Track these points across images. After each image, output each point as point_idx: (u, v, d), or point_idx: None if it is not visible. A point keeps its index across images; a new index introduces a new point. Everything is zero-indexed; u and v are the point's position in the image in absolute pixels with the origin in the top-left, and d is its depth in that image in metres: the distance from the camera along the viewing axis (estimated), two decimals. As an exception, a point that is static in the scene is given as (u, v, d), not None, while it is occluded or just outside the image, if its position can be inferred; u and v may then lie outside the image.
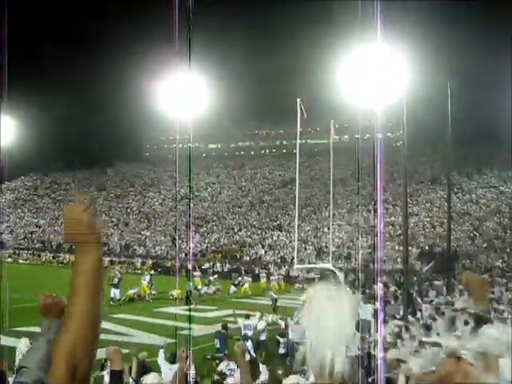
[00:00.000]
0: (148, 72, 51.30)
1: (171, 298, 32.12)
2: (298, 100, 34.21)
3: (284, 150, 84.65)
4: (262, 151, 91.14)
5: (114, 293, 31.10)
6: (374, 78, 25.42)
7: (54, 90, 79.90)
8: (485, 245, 46.30)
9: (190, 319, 22.93)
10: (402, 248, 28.61)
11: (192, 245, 50.75)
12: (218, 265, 49.55)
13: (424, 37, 48.98)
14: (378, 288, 21.38)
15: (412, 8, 51.89)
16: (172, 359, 13.47)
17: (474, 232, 49.90)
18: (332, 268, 37.13)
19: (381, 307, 18.80)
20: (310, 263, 43.79)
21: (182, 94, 34.89)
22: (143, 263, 50.70)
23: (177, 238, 55.62)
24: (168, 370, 12.98)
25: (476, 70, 61.60)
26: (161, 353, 13.94)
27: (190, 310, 25.89)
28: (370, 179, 41.44)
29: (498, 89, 60.35)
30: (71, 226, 1.76)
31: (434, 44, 56.30)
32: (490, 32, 63.95)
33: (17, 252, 61.10)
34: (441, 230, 48.76)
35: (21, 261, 57.91)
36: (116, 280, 31.60)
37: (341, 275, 35.77)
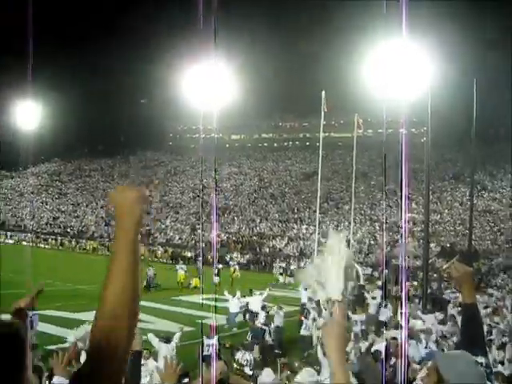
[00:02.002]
0: (173, 62, 51.44)
1: (190, 286, 32.31)
2: (323, 93, 34.29)
3: (307, 143, 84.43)
4: (285, 143, 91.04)
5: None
6: (400, 73, 25.24)
7: (81, 78, 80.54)
8: (506, 244, 45.92)
9: (215, 309, 22.93)
10: (423, 245, 28.45)
11: (214, 235, 50.84)
12: (239, 255, 49.66)
13: (451, 34, 48.62)
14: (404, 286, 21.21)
15: (440, 4, 51.54)
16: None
17: (496, 231, 49.51)
18: (352, 263, 37.24)
19: (405, 305, 18.78)
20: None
21: (206, 84, 34.89)
22: (165, 251, 51.00)
23: (200, 228, 55.89)
24: (164, 346, 13.32)
25: (503, 68, 60.94)
26: (151, 335, 13.95)
27: (215, 299, 25.83)
28: (393, 175, 41.24)
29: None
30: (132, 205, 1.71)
31: (461, 41, 55.81)
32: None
33: (40, 236, 61.71)
34: (462, 227, 48.45)
35: (42, 245, 58.53)
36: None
37: (360, 270, 35.83)
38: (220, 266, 38.66)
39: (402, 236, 40.20)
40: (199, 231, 55.22)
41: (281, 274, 41.69)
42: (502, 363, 13.05)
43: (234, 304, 22.13)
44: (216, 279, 32.13)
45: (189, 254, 48.94)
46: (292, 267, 43.35)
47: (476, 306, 3.46)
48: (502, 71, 60.21)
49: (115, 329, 1.58)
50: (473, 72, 40.15)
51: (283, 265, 44.67)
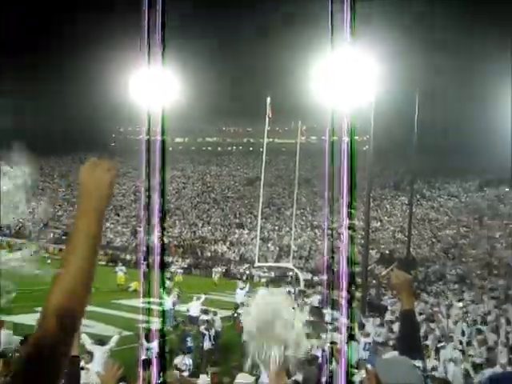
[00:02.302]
0: (119, 63, 50.84)
1: (130, 289, 31.92)
2: (268, 99, 34.46)
3: (251, 148, 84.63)
4: (229, 148, 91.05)
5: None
6: (344, 80, 25.55)
7: (23, 78, 78.80)
8: (443, 252, 46.96)
9: (164, 313, 22.69)
10: (362, 251, 28.83)
11: (154, 238, 50.19)
12: (180, 259, 49.33)
13: (397, 43, 49.42)
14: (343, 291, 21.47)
15: (387, 15, 52.43)
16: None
17: (433, 239, 50.58)
18: (292, 267, 37.47)
19: (345, 310, 18.87)
20: (271, 262, 43.89)
21: (151, 86, 34.61)
22: (105, 254, 50.22)
23: (141, 230, 55.26)
24: (99, 352, 13.06)
25: (446, 80, 62.46)
26: (85, 336, 13.63)
27: (160, 303, 25.54)
28: (335, 182, 41.61)
29: (467, 100, 61.45)
30: (92, 181, 1.66)
31: (406, 53, 56.84)
32: (462, 43, 64.95)
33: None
34: (401, 235, 49.32)
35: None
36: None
37: (301, 275, 36.10)
38: (173, 269, 38.52)
39: (343, 242, 40.52)
40: (141, 234, 54.62)
41: (219, 278, 41.56)
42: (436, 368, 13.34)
43: (194, 307, 21.96)
44: (168, 283, 31.91)
45: (128, 257, 48.39)
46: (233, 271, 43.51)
47: (414, 312, 3.52)
48: (447, 83, 61.85)
49: (64, 315, 1.53)
50: (417, 83, 40.87)
51: (220, 269, 44.56)
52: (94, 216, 1.62)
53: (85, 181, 1.68)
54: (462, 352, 15.03)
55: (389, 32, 47.18)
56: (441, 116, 64.00)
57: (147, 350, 13.61)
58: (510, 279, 34.73)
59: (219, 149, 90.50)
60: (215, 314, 20.12)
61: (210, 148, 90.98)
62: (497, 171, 63.73)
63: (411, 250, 38.90)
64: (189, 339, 17.67)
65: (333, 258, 40.84)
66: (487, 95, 55.22)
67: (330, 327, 17.98)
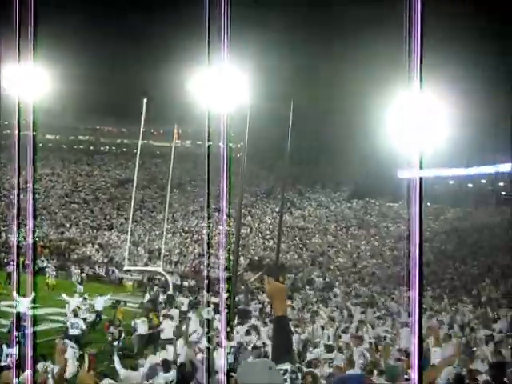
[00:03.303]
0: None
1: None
2: (144, 100, 34.12)
3: (125, 149, 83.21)
4: (102, 148, 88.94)
5: None
6: (221, 86, 25.71)
7: None
8: (310, 260, 48.22)
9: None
10: (232, 257, 29.07)
11: (26, 238, 48.08)
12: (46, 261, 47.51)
13: (273, 55, 50.42)
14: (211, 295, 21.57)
15: (262, 28, 53.28)
16: None
17: (302, 247, 51.84)
18: (162, 272, 37.21)
19: (224, 315, 18.97)
20: (140, 266, 43.28)
21: (22, 80, 33.28)
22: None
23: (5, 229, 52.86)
24: None
25: (319, 90, 64.18)
26: None
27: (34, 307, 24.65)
28: (210, 187, 41.74)
29: (340, 113, 63.50)
30: None
31: (280, 66, 58.02)
32: (333, 52, 66.98)
33: None
34: (271, 242, 50.17)
35: None
36: None
37: (170, 279, 35.92)
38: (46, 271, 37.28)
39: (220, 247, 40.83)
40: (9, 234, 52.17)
41: (79, 282, 40.08)
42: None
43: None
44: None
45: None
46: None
47: (286, 318, 3.60)
48: (320, 94, 63.55)
49: None
50: (292, 93, 41.85)
51: (79, 271, 43.30)
52: None
53: None
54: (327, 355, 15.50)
55: (264, 44, 48.09)
56: (314, 127, 65.82)
57: (6, 355, 13.11)
58: (374, 286, 36.21)
59: (92, 148, 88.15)
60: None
61: (82, 147, 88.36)
62: (365, 183, 66.49)
63: (280, 256, 39.70)
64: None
65: (208, 263, 40.97)
66: (360, 108, 57.25)
67: (198, 332, 18.03)
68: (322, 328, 21.51)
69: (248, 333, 19.06)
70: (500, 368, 9.42)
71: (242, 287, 33.62)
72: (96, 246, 52.70)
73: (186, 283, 38.68)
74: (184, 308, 25.95)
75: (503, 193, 62.70)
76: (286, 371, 3.09)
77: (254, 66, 28.27)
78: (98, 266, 46.38)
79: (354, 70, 61.50)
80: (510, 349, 13.56)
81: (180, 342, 16.04)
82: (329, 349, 16.61)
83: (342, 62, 64.61)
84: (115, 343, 19.67)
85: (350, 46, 63.11)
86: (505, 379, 8.93)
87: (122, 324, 21.90)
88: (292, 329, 20.36)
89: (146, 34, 73.86)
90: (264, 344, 16.49)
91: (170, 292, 32.82)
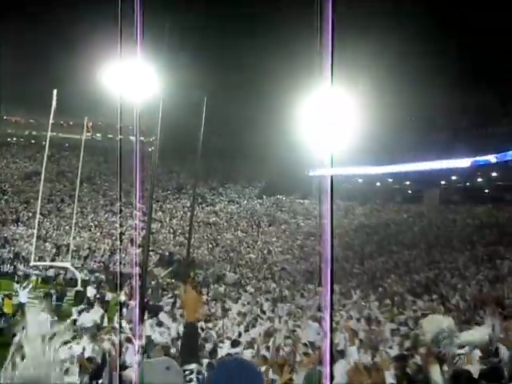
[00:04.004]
0: None
1: None
2: (55, 91, 33.27)
3: (33, 141, 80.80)
4: (9, 139, 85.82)
5: None
6: (133, 79, 25.39)
7: None
8: (221, 256, 48.34)
9: None
10: (143, 252, 28.75)
11: None
12: None
13: (184, 48, 50.02)
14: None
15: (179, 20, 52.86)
16: None
17: (213, 242, 51.89)
18: (70, 267, 36.45)
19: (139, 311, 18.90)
20: (48, 261, 42.17)
21: None
22: None
23: None
24: None
25: (233, 88, 64.36)
26: None
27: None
28: (121, 181, 41.21)
29: (253, 110, 63.86)
30: None
31: (194, 61, 57.80)
32: (248, 50, 67.28)
33: None
34: (182, 237, 49.98)
35: None
36: None
37: (78, 274, 35.24)
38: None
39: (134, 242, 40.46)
40: None
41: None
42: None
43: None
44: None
45: None
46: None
47: (195, 324, 3.64)
48: (233, 88, 63.70)
49: None
50: (205, 88, 41.74)
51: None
52: None
53: None
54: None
55: (179, 38, 47.68)
56: (228, 124, 66.02)
57: None
58: (284, 282, 36.64)
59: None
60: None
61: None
62: (276, 179, 67.26)
63: (191, 252, 39.61)
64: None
65: (120, 258, 40.43)
66: (274, 106, 57.70)
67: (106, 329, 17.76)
68: (232, 324, 21.62)
69: (157, 327, 18.94)
70: (403, 360, 9.76)
71: (153, 283, 33.32)
72: (1, 241, 50.98)
73: (93, 278, 37.96)
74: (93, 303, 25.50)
75: (409, 191, 64.82)
76: (191, 371, 3.13)
77: (167, 59, 27.99)
78: (3, 262, 44.89)
79: (269, 68, 62.02)
80: (413, 342, 14.03)
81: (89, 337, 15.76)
82: (235, 344, 16.73)
83: (257, 60, 65.08)
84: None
85: (265, 43, 63.64)
86: (408, 370, 9.26)
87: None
88: (203, 325, 20.42)
89: (57, 25, 71.95)
90: (173, 340, 16.41)
91: (79, 288, 32.24)
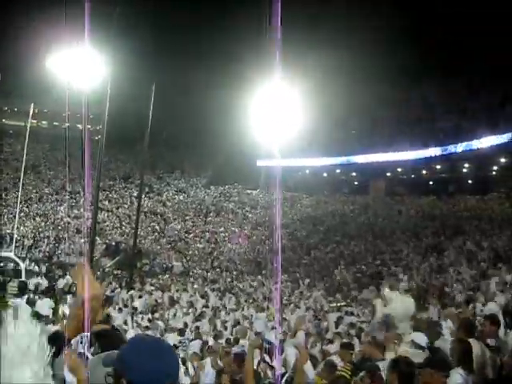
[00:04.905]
0: None
1: None
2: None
3: (-25, 128, 78.69)
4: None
5: None
6: (81, 66, 25.06)
7: None
8: (168, 245, 48.13)
9: None
10: (88, 242, 28.45)
11: None
12: None
13: (133, 35, 49.43)
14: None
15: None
16: None
17: (160, 232, 51.60)
18: (13, 257, 35.69)
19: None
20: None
21: None
22: None
23: None
24: None
25: (183, 77, 63.90)
26: None
27: None
28: (64, 169, 40.68)
29: (203, 100, 63.60)
30: None
31: (143, 44, 57.21)
32: (199, 41, 66.96)
33: None
34: (129, 227, 49.55)
35: None
36: None
37: (22, 265, 34.55)
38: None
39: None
40: None
41: None
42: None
43: None
44: None
45: None
46: None
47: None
48: (181, 80, 63.25)
49: None
50: (154, 77, 41.24)
51: None
52: None
53: None
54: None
55: (129, 26, 47.14)
56: (177, 113, 65.55)
57: None
58: (231, 272, 36.75)
59: None
60: None
61: None
62: (224, 170, 67.21)
63: (138, 242, 39.27)
64: None
65: (64, 248, 39.85)
66: (224, 98, 57.48)
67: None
68: (174, 314, 21.67)
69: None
70: (349, 348, 9.94)
71: (98, 273, 32.96)
72: None
73: (37, 269, 37.31)
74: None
75: (356, 182, 65.58)
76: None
77: (115, 46, 27.66)
78: None
79: (219, 58, 61.92)
80: (358, 329, 14.30)
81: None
82: (181, 333, 16.75)
83: (208, 50, 64.91)
84: None
85: (214, 32, 63.46)
86: (353, 358, 9.43)
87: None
88: (150, 316, 20.37)
89: (2, 11, 70.17)
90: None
91: (23, 278, 31.64)
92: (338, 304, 21.85)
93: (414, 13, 56.41)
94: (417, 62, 56.02)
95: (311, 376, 8.10)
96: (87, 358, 3.10)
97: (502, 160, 50.96)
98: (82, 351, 3.06)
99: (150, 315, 21.35)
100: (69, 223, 43.91)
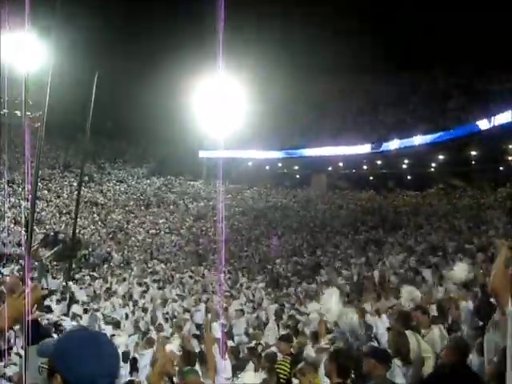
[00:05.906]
0: None
1: None
2: None
3: None
4: None
5: None
6: (20, 51, 24.49)
7: None
8: (109, 236, 47.54)
9: None
10: (26, 232, 27.84)
11: None
12: None
13: (76, 21, 48.62)
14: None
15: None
16: None
17: (100, 222, 50.92)
18: None
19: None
20: None
21: None
22: None
23: None
24: None
25: (127, 66, 63.29)
26: None
27: None
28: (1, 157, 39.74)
29: (147, 91, 63.08)
30: None
31: (86, 31, 56.36)
32: (144, 33, 66.37)
33: None
34: (68, 217, 48.74)
35: None
36: None
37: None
38: None
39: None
40: None
41: None
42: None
43: None
44: None
45: None
46: None
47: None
48: (125, 67, 62.55)
49: None
50: (96, 64, 40.64)
51: None
52: None
53: None
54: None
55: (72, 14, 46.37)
56: (119, 102, 64.88)
57: None
58: (172, 264, 36.50)
59: None
60: None
61: None
62: (166, 160, 66.85)
63: (77, 232, 38.63)
64: None
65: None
66: (168, 89, 57.12)
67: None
68: (118, 305, 21.47)
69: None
70: (289, 340, 10.04)
71: (36, 263, 32.31)
72: None
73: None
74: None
75: (297, 176, 66.07)
76: None
77: (57, 32, 27.08)
78: None
79: (163, 50, 61.54)
80: (295, 320, 14.47)
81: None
82: (118, 325, 16.65)
83: (152, 41, 64.44)
84: None
85: (160, 27, 63.16)
86: (291, 350, 9.54)
87: None
88: (87, 306, 20.14)
89: None
90: (56, 323, 16.06)
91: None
92: (278, 296, 21.99)
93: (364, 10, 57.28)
94: (362, 58, 56.85)
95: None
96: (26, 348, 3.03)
97: (440, 157, 52.19)
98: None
99: (88, 306, 21.09)
100: (5, 212, 42.81)
